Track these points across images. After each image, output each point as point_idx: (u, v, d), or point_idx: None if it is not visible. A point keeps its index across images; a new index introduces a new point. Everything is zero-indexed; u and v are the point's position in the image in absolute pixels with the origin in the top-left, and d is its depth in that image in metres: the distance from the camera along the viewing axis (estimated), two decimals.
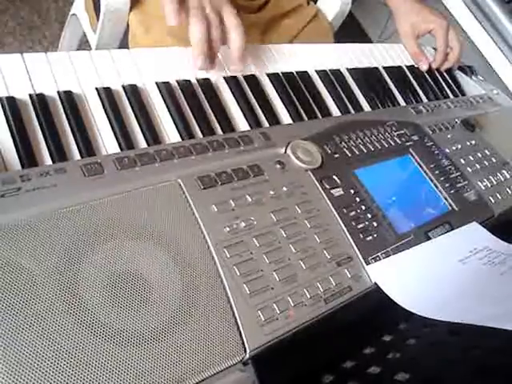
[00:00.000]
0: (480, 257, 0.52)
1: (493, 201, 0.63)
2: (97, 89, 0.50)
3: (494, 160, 0.70)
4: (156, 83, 0.54)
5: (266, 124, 0.59)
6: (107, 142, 0.47)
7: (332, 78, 0.70)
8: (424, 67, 0.85)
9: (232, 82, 0.59)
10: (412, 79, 0.83)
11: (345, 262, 0.46)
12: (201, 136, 0.53)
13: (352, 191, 0.52)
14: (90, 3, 0.85)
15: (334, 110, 0.68)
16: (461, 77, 0.92)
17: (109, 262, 0.36)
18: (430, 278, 0.48)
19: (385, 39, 1.49)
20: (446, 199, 0.60)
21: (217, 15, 0.54)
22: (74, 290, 0.34)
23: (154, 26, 0.71)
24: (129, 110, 0.51)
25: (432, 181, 0.61)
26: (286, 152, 0.52)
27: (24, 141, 0.43)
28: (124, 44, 0.77)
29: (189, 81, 0.56)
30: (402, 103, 0.77)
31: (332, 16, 0.96)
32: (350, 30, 1.06)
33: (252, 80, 0.62)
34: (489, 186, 0.65)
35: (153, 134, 0.50)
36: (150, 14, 0.72)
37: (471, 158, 0.68)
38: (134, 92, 0.51)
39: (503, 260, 0.52)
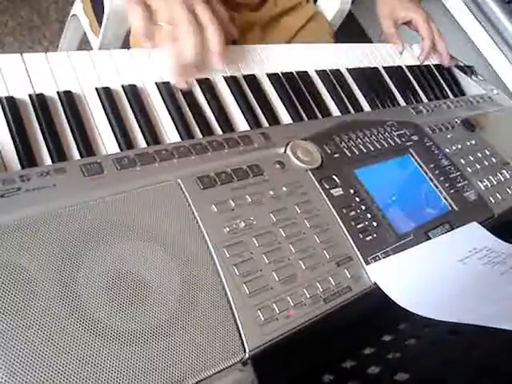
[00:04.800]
0: (480, 257, 0.52)
1: (493, 201, 0.63)
2: (96, 89, 0.50)
3: (494, 160, 0.70)
4: (156, 83, 0.54)
5: (266, 124, 0.59)
6: (107, 141, 0.47)
7: (332, 78, 0.70)
8: (399, 48, 0.85)
9: (232, 82, 0.59)
10: (412, 79, 0.83)
11: (344, 261, 0.46)
12: (200, 136, 0.53)
13: (352, 191, 0.52)
14: (89, 6, 0.85)
15: (334, 110, 0.68)
16: (461, 77, 0.92)
17: (108, 261, 0.36)
18: (430, 277, 0.48)
19: (385, 39, 1.49)
20: (445, 199, 0.59)
21: (189, 22, 0.51)
22: (74, 290, 0.34)
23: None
24: (128, 110, 0.51)
25: (432, 181, 0.61)
26: (285, 152, 0.52)
27: (24, 141, 0.43)
28: (125, 44, 0.77)
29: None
30: (402, 103, 0.77)
31: (332, 15, 0.96)
32: (350, 30, 1.06)
33: (252, 80, 0.62)
34: (489, 186, 0.65)
35: (152, 134, 0.50)
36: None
37: (471, 157, 0.68)
38: (133, 92, 0.51)
39: (503, 260, 0.52)
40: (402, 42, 0.85)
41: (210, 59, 0.55)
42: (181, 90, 0.55)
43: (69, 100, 0.47)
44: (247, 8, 0.82)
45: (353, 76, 0.74)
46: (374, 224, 0.51)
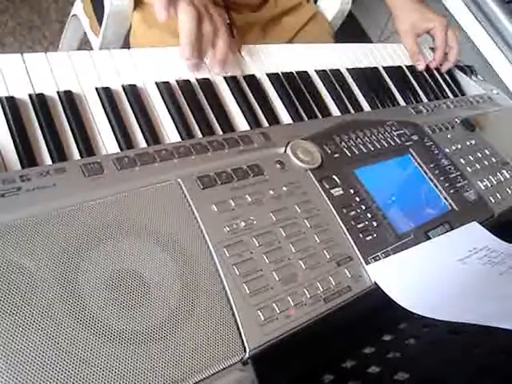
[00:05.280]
0: (480, 256, 0.52)
1: (493, 201, 0.63)
2: (97, 89, 0.50)
3: (494, 160, 0.70)
4: (156, 83, 0.54)
5: (266, 124, 0.59)
6: (107, 141, 0.47)
7: (332, 78, 0.70)
8: (421, 67, 0.85)
9: (232, 81, 0.59)
10: (412, 79, 0.83)
11: (345, 261, 0.46)
12: (200, 136, 0.53)
13: (352, 191, 0.52)
14: (89, 6, 0.85)
15: (334, 110, 0.68)
16: (461, 77, 0.92)
17: (108, 261, 0.36)
18: (430, 277, 0.48)
19: (385, 39, 1.49)
20: (445, 199, 0.60)
21: (207, 13, 0.55)
22: (74, 290, 0.34)
23: (155, 24, 0.72)
24: (129, 109, 0.51)
25: (432, 181, 0.61)
26: (285, 152, 0.52)
27: (24, 141, 0.43)
28: (125, 44, 0.77)
29: (189, 81, 0.56)
30: (402, 103, 0.77)
31: (332, 15, 0.96)
32: (350, 30, 1.06)
33: (252, 80, 0.62)
34: (489, 185, 0.65)
35: (152, 134, 0.50)
36: (152, 13, 0.72)
37: (471, 157, 0.68)
38: (133, 92, 0.51)
39: (503, 260, 0.52)
40: (425, 61, 0.85)
41: (211, 59, 0.57)
42: (181, 90, 0.55)
43: (69, 100, 0.47)
44: (247, 8, 0.82)
45: (353, 76, 0.74)
46: (374, 224, 0.51)
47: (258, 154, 0.50)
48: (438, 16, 0.85)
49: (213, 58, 0.57)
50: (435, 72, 0.88)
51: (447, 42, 0.85)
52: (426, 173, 0.61)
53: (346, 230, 0.48)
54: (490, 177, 0.66)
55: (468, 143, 0.70)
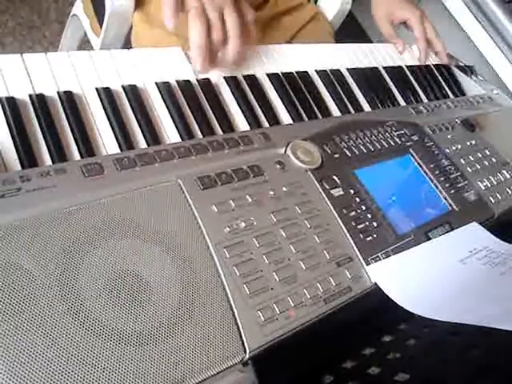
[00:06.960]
0: (480, 257, 0.52)
1: (493, 201, 0.63)
2: (97, 89, 0.49)
3: (494, 160, 0.70)
4: (156, 83, 0.54)
5: (266, 124, 0.59)
6: (107, 142, 0.47)
7: (332, 78, 0.70)
8: (400, 49, 0.86)
9: (232, 82, 0.59)
10: (412, 79, 0.83)
11: (345, 262, 0.46)
12: (201, 136, 0.53)
13: (352, 191, 0.52)
14: (90, 6, 0.85)
15: (334, 110, 0.67)
16: (461, 77, 0.92)
17: (108, 262, 0.36)
18: (430, 278, 0.48)
19: (385, 39, 1.49)
20: (445, 199, 0.59)
21: (219, 15, 0.54)
22: (74, 291, 0.34)
23: (156, 24, 0.72)
24: (129, 110, 0.51)
25: (432, 181, 0.61)
26: (285, 152, 0.52)
27: (24, 141, 0.43)
28: (126, 42, 0.77)
29: (189, 81, 0.56)
30: (402, 103, 0.77)
31: (332, 15, 0.96)
32: (350, 30, 1.06)
33: (252, 80, 0.62)
34: (489, 186, 0.65)
35: (153, 134, 0.50)
36: (153, 13, 0.72)
37: (471, 157, 0.68)
38: (133, 92, 0.51)
39: (503, 260, 0.52)
40: (402, 42, 0.86)
41: (223, 59, 0.57)
42: (181, 90, 0.55)
43: (69, 100, 0.47)
44: None
45: (353, 76, 0.74)
46: (375, 224, 0.51)
47: (258, 155, 0.50)
48: (413, 7, 0.87)
49: (222, 60, 0.57)
50: (435, 72, 0.88)
51: (426, 33, 0.86)
52: (426, 173, 0.61)
53: (346, 231, 0.48)
54: (490, 177, 0.66)
55: (468, 143, 0.70)
